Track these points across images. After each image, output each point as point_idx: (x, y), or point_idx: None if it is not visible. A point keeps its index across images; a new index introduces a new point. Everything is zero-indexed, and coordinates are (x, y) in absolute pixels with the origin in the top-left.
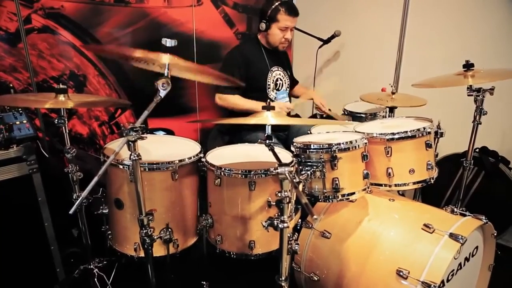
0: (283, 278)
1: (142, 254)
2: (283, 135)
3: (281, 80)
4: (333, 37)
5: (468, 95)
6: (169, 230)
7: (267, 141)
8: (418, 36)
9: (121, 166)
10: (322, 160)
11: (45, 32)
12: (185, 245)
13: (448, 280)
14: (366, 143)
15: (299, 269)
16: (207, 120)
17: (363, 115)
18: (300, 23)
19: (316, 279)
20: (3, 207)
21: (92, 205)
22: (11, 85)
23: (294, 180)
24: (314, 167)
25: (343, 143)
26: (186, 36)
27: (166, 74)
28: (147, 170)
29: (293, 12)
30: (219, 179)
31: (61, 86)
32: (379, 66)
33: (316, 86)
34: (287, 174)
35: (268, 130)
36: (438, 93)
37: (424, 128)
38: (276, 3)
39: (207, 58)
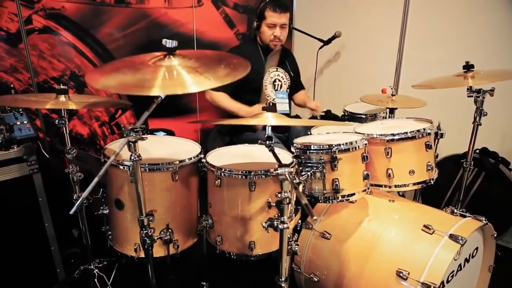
0: (283, 279)
1: (142, 255)
2: (283, 136)
3: (279, 81)
4: (333, 38)
5: (468, 96)
6: (169, 230)
7: (267, 142)
8: (418, 38)
9: (121, 167)
10: (322, 161)
11: (46, 32)
12: (185, 246)
13: (448, 281)
14: (366, 144)
15: (299, 270)
16: (208, 121)
17: (363, 116)
18: (300, 24)
19: (316, 280)
20: (4, 208)
21: (93, 205)
22: (12, 85)
23: (294, 181)
24: (314, 168)
25: (343, 144)
26: (186, 37)
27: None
28: (147, 170)
29: (279, 8)
30: (219, 180)
31: (61, 86)
32: (379, 67)
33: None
34: (287, 175)
35: (268, 131)
36: (438, 94)
37: (424, 129)
38: (266, 1)
39: None
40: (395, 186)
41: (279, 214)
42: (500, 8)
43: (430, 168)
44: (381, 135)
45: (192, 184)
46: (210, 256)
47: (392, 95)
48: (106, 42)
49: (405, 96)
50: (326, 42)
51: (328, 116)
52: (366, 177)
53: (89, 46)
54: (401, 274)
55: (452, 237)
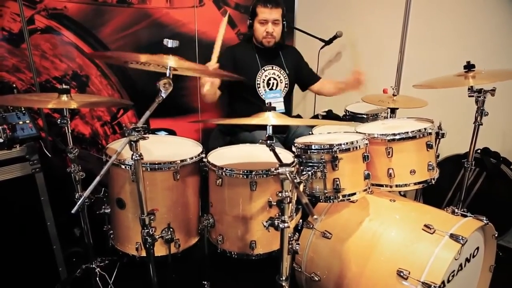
0: (284, 278)
1: (143, 254)
2: (281, 137)
3: (275, 79)
4: (335, 38)
5: (469, 96)
6: (171, 230)
7: (268, 141)
8: (420, 38)
9: (123, 166)
10: (323, 160)
11: (48, 32)
12: (187, 245)
13: (448, 281)
14: (367, 143)
15: (300, 269)
16: (209, 120)
17: (365, 116)
18: (302, 24)
19: (317, 279)
20: (6, 207)
21: (94, 204)
22: (14, 85)
23: (295, 180)
24: (315, 167)
25: (344, 144)
26: (188, 37)
27: (168, 75)
28: (149, 170)
29: (269, 2)
30: (220, 179)
31: (64, 86)
32: (380, 67)
33: None
34: (287, 174)
35: (269, 131)
36: (439, 94)
37: (425, 129)
38: None
39: (209, 59)
40: (396, 185)
41: (280, 213)
42: (500, 8)
43: (431, 167)
44: (382, 134)
45: (194, 184)
46: (211, 256)
47: (394, 95)
48: (108, 42)
49: (406, 96)
50: (328, 42)
51: (330, 116)
52: (367, 176)
53: (91, 46)
54: (401, 274)
55: (453, 236)
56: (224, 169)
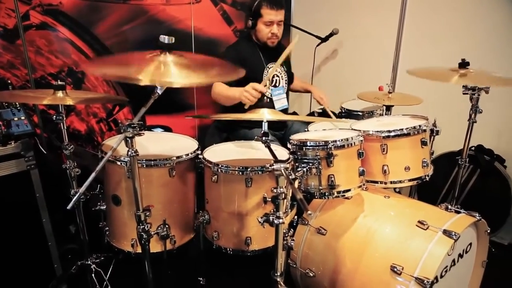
0: (279, 274)
1: (139, 250)
2: (279, 134)
3: (277, 76)
4: (331, 35)
5: (464, 94)
6: (166, 226)
7: (264, 138)
8: (416, 36)
9: (118, 163)
10: (318, 157)
11: (43, 28)
12: (182, 241)
13: (441, 276)
14: (362, 140)
15: (294, 265)
16: (205, 116)
17: (360, 113)
18: (298, 21)
19: (311, 275)
20: (1, 203)
21: (90, 201)
22: (9, 81)
23: (290, 177)
24: (310, 164)
25: (339, 141)
26: (184, 34)
27: None
28: (144, 166)
29: (275, 5)
30: (216, 176)
31: (59, 82)
32: (376, 65)
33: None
34: (282, 171)
35: (265, 127)
36: (434, 91)
37: (419, 126)
38: None
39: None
40: (391, 182)
41: (274, 209)
42: (496, 7)
43: (425, 164)
44: (377, 131)
45: (189, 180)
46: (207, 252)
47: (389, 92)
48: (103, 38)
49: (402, 93)
50: (324, 40)
51: (325, 113)
52: (361, 173)
53: (86, 42)
54: (395, 269)
55: (446, 232)
56: (220, 166)
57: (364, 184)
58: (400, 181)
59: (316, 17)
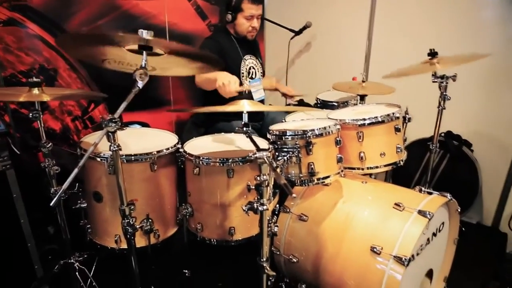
0: (264, 259)
1: (123, 246)
2: (257, 124)
3: (254, 68)
4: (304, 28)
5: (433, 82)
6: (150, 220)
7: (244, 128)
8: (386, 26)
9: (98, 159)
10: (298, 145)
11: (12, 25)
12: (166, 235)
13: (418, 254)
14: (339, 128)
15: (278, 252)
16: (185, 110)
17: (335, 104)
18: (271, 15)
19: (295, 260)
20: None
21: (69, 200)
22: None
23: (272, 164)
24: (290, 152)
25: (317, 129)
26: (159, 29)
27: (143, 65)
28: (125, 162)
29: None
30: (197, 168)
31: (34, 79)
32: (349, 56)
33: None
34: (265, 158)
35: (245, 118)
36: (406, 81)
37: (393, 113)
38: None
39: None
40: (368, 168)
41: (258, 197)
42: None
43: (399, 150)
44: (353, 120)
45: (171, 174)
46: (191, 244)
47: (363, 81)
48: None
49: (375, 82)
50: (297, 33)
51: (301, 105)
52: (339, 160)
53: None
54: (375, 250)
55: (421, 212)
56: (201, 158)
57: (342, 171)
58: (377, 167)
59: (289, 11)
